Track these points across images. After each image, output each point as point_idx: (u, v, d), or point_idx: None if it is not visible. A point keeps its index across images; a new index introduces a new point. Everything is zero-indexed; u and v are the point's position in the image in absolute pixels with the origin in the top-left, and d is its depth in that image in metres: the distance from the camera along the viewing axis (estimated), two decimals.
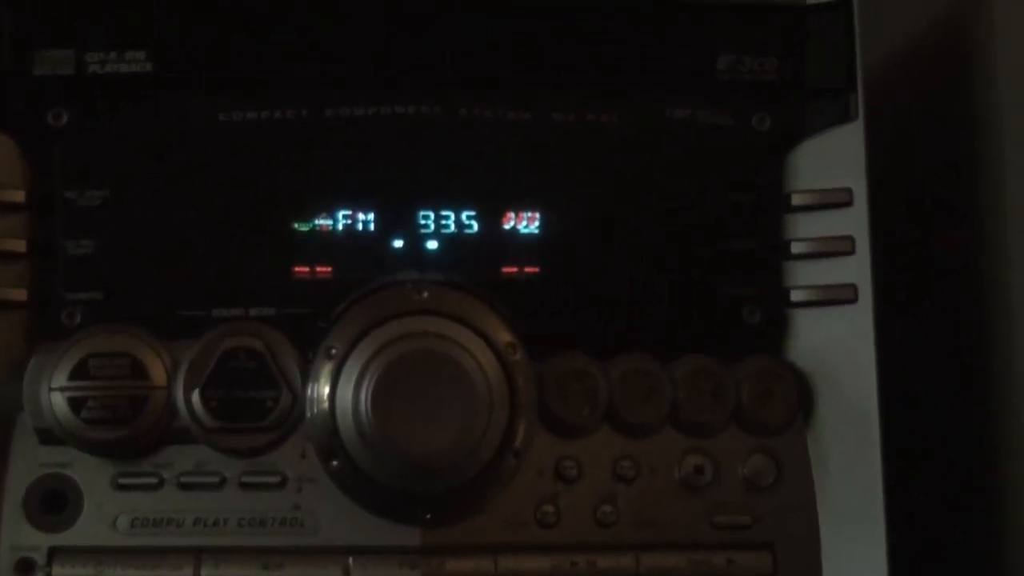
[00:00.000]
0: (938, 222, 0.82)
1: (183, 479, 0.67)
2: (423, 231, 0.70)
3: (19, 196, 0.68)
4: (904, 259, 0.83)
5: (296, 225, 0.69)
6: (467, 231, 0.70)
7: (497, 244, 0.70)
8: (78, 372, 0.65)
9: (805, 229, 0.71)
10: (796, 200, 0.71)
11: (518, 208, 0.70)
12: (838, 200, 0.70)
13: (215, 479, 0.67)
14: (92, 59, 0.69)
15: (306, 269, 0.69)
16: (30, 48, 0.69)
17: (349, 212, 0.69)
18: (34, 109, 0.69)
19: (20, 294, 0.67)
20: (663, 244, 0.71)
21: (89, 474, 0.67)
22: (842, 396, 0.69)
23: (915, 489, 0.75)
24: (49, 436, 0.66)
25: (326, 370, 0.66)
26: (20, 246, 0.68)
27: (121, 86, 0.69)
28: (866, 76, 0.70)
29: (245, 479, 0.67)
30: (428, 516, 0.66)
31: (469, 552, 0.67)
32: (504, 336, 0.67)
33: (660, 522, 0.68)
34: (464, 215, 0.70)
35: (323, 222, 0.69)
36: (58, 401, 0.65)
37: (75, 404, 0.65)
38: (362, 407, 0.64)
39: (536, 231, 0.70)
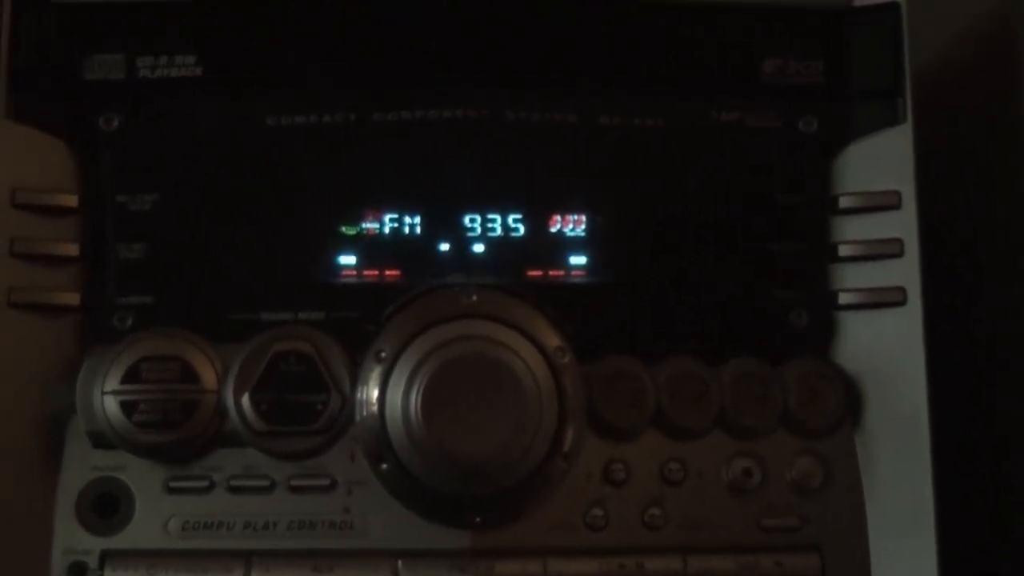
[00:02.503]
0: (988, 224, 0.82)
1: (233, 482, 0.67)
2: (470, 234, 0.70)
3: (71, 200, 0.68)
4: (955, 262, 0.82)
5: (343, 228, 0.69)
6: (513, 234, 0.70)
7: (543, 247, 0.70)
8: (130, 376, 0.66)
9: (853, 232, 0.71)
10: (844, 203, 0.71)
11: (564, 211, 0.70)
12: (886, 203, 0.70)
13: (265, 482, 0.67)
14: (142, 64, 0.69)
15: (353, 272, 0.69)
16: (81, 53, 0.69)
17: (396, 215, 0.70)
18: (85, 113, 0.69)
19: (72, 298, 0.68)
20: (710, 247, 0.71)
21: (141, 477, 0.67)
22: (891, 399, 0.69)
23: (966, 492, 0.75)
24: (101, 440, 0.66)
25: (375, 373, 0.66)
26: (72, 250, 0.68)
27: (171, 90, 0.69)
28: (915, 77, 0.70)
29: (295, 482, 0.67)
30: (477, 519, 0.66)
31: (518, 555, 0.67)
32: (553, 339, 0.67)
33: (708, 525, 0.68)
34: (511, 218, 0.70)
35: (370, 225, 0.70)
36: (110, 405, 0.65)
37: (127, 408, 0.65)
38: (411, 410, 0.64)
39: (582, 234, 0.70)
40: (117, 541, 0.67)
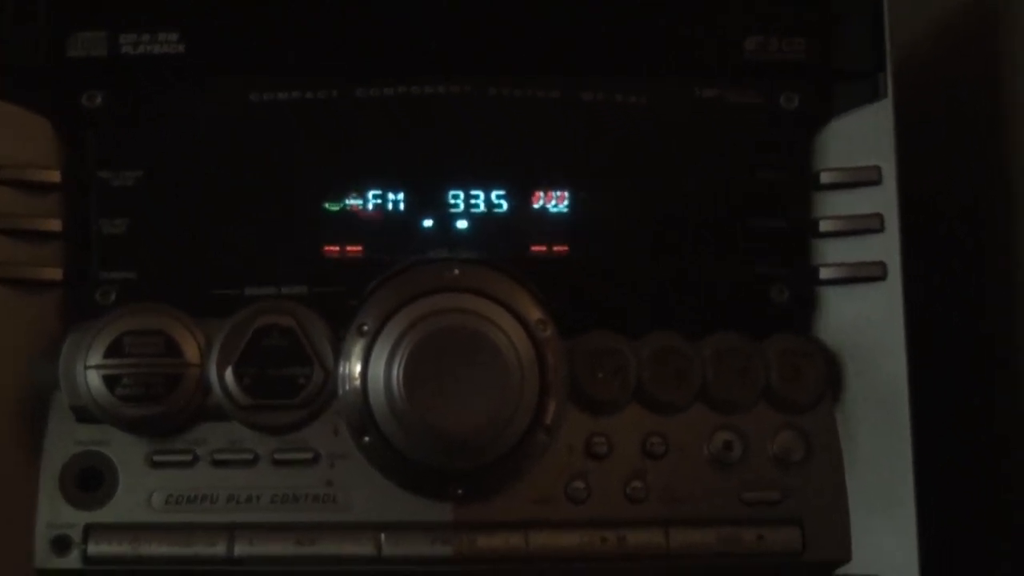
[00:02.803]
0: (968, 203, 0.82)
1: (217, 456, 0.67)
2: (453, 210, 0.70)
3: (54, 176, 0.69)
4: (935, 238, 0.82)
5: (327, 205, 0.70)
6: (496, 210, 0.70)
7: (526, 223, 0.70)
8: (113, 350, 0.66)
9: (834, 207, 0.71)
10: (825, 178, 0.71)
11: (547, 187, 0.71)
12: (867, 178, 0.70)
13: (248, 456, 0.67)
14: (125, 41, 0.69)
15: (337, 248, 0.70)
16: (64, 30, 0.69)
17: (379, 192, 0.70)
18: (68, 91, 0.69)
19: (55, 273, 0.68)
20: (691, 223, 0.71)
21: (124, 452, 0.67)
22: (872, 373, 0.69)
23: (945, 466, 0.75)
24: (85, 414, 0.67)
25: (358, 347, 0.66)
26: (55, 226, 0.68)
27: (153, 67, 0.70)
28: (896, 54, 0.70)
29: (278, 456, 0.67)
30: (460, 492, 0.67)
31: (500, 528, 0.67)
32: (535, 313, 0.67)
33: (690, 498, 0.69)
34: (494, 194, 0.70)
35: (354, 202, 0.70)
36: (93, 379, 0.66)
37: (110, 382, 0.65)
38: (394, 384, 0.65)
39: (565, 210, 0.71)
40: (101, 515, 0.67)
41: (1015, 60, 0.76)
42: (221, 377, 0.66)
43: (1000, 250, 0.78)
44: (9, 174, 0.68)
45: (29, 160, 0.68)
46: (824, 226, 0.71)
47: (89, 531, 0.67)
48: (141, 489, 0.67)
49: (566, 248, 0.70)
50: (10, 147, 0.68)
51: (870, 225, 0.70)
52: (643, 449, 0.69)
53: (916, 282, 0.70)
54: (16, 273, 0.67)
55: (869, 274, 0.70)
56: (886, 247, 0.70)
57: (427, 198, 0.70)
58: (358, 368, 0.66)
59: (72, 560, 0.66)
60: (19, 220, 0.68)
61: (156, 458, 0.67)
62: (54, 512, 0.67)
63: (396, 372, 0.64)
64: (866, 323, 0.70)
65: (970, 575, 0.80)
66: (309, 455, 0.67)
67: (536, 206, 0.70)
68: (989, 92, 0.78)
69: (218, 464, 0.67)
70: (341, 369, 0.67)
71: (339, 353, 0.67)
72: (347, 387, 0.66)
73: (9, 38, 0.69)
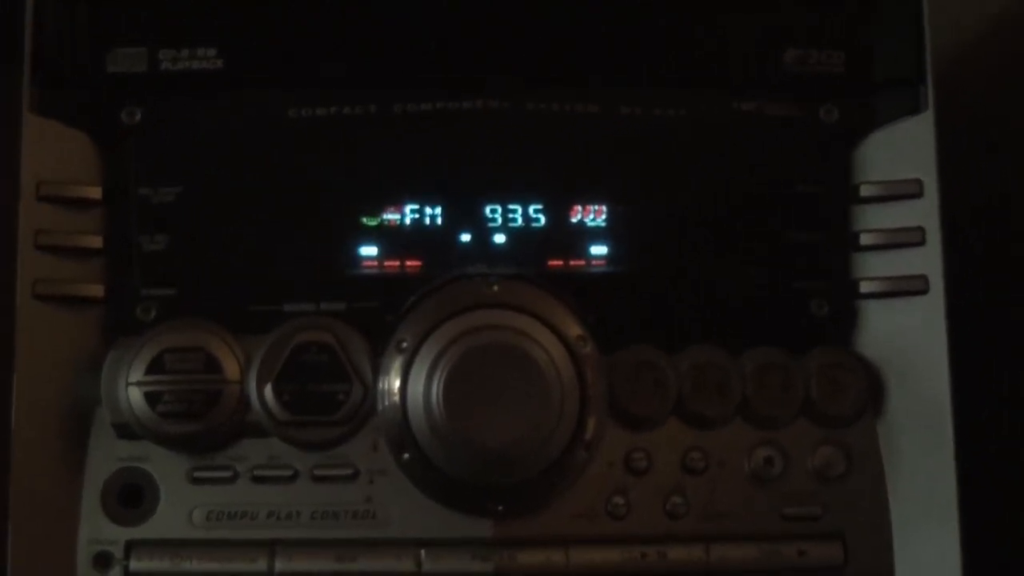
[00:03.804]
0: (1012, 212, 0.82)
1: (257, 472, 0.68)
2: (491, 225, 0.70)
3: (95, 193, 0.69)
4: (977, 252, 0.82)
5: (365, 220, 0.70)
6: (534, 225, 0.70)
7: (564, 237, 0.70)
8: (154, 367, 0.66)
9: (874, 220, 0.70)
10: (865, 191, 0.71)
11: (585, 202, 0.70)
12: (908, 191, 0.70)
13: (288, 472, 0.68)
14: (164, 56, 0.70)
15: (375, 263, 0.69)
16: (104, 46, 0.70)
17: (417, 207, 0.70)
18: (108, 106, 0.70)
19: (96, 290, 0.68)
20: (731, 237, 0.71)
21: (165, 468, 0.68)
22: (913, 387, 0.69)
23: (990, 480, 0.74)
24: (126, 430, 0.67)
25: (397, 363, 0.66)
26: (96, 242, 0.69)
27: (193, 83, 0.70)
28: (936, 66, 0.70)
29: (317, 472, 0.68)
30: (500, 508, 0.67)
31: (540, 544, 0.67)
32: (574, 329, 0.67)
33: (730, 514, 0.68)
34: (531, 209, 0.70)
35: (391, 217, 0.70)
36: (135, 395, 0.66)
37: (151, 398, 0.66)
38: (433, 400, 0.64)
39: (603, 224, 0.70)
40: (142, 531, 0.67)
41: None
42: (261, 393, 0.66)
43: None
44: (50, 191, 0.68)
45: (70, 177, 0.69)
46: (865, 239, 0.70)
47: (131, 547, 0.67)
48: (182, 505, 0.67)
49: (604, 263, 0.70)
50: (51, 164, 0.68)
51: (911, 239, 0.69)
52: (683, 464, 0.68)
53: (959, 294, 0.69)
54: (58, 290, 0.68)
55: (910, 288, 0.69)
56: (928, 260, 0.69)
57: (465, 213, 0.70)
58: (397, 384, 0.66)
59: None
60: (60, 237, 0.68)
61: (197, 474, 0.68)
62: (96, 528, 0.67)
63: (435, 389, 0.64)
64: (907, 337, 0.69)
65: None
66: (349, 471, 0.67)
67: (574, 220, 0.70)
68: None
69: (258, 480, 0.67)
70: (380, 385, 0.67)
71: (378, 369, 0.67)
72: (386, 403, 0.66)
73: (49, 54, 0.69)
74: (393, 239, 0.70)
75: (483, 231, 0.70)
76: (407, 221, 0.70)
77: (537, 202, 0.70)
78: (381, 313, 0.68)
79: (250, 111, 0.70)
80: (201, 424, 0.66)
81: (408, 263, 0.69)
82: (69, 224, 0.68)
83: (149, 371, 0.66)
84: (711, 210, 0.71)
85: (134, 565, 0.67)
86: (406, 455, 0.66)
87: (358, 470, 0.67)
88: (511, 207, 0.70)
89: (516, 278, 0.68)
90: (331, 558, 0.67)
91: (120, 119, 0.70)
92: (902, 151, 0.70)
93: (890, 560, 0.69)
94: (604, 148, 0.71)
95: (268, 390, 0.66)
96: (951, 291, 0.69)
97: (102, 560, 0.67)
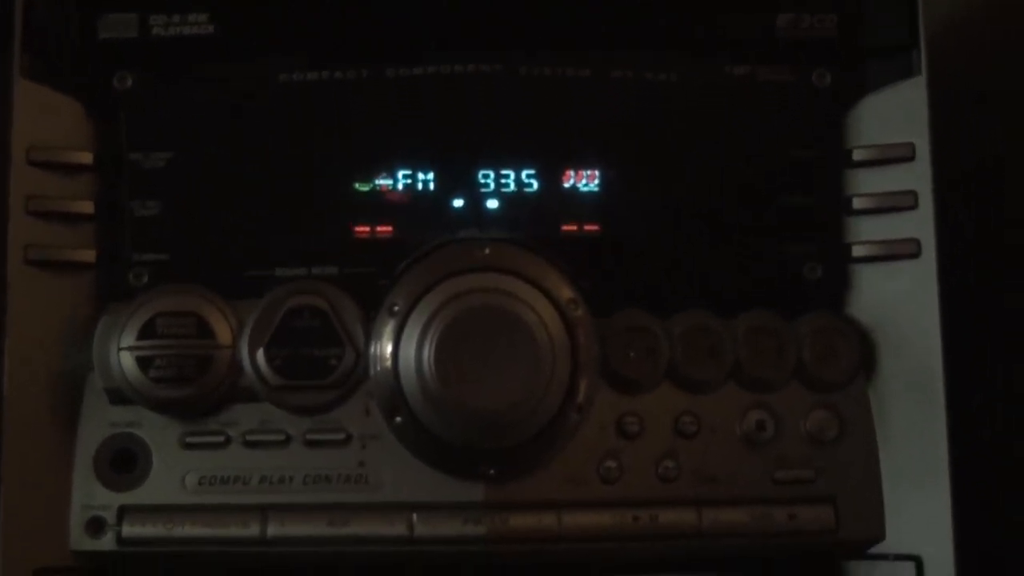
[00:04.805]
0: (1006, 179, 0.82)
1: (249, 437, 0.68)
2: (483, 190, 0.70)
3: (86, 158, 0.69)
4: (969, 218, 0.82)
5: (357, 185, 0.70)
6: (527, 189, 0.70)
7: (557, 202, 0.70)
8: (146, 332, 0.66)
9: (867, 184, 0.70)
10: (858, 155, 0.70)
11: (578, 166, 0.70)
12: (900, 155, 0.70)
13: (280, 437, 0.68)
14: (155, 22, 0.70)
15: (367, 228, 0.69)
16: (95, 12, 0.69)
17: (409, 172, 0.70)
18: (100, 72, 0.70)
19: (88, 255, 0.68)
20: (723, 201, 0.71)
21: (157, 433, 0.68)
22: (905, 351, 0.69)
23: (979, 443, 0.74)
24: (118, 396, 0.67)
25: (389, 327, 0.66)
26: (87, 208, 0.69)
27: (184, 48, 0.70)
28: (929, 29, 0.70)
29: (310, 436, 0.68)
30: (491, 472, 0.67)
31: (532, 507, 0.67)
32: (566, 292, 0.67)
33: (722, 477, 0.68)
34: (524, 174, 0.70)
35: (384, 182, 0.70)
36: (127, 360, 0.66)
37: (143, 363, 0.66)
38: (425, 364, 0.64)
39: (596, 189, 0.70)
40: (134, 496, 0.67)
41: None
42: (253, 358, 0.66)
43: None
44: (41, 156, 0.68)
45: (61, 142, 0.69)
46: (857, 203, 0.70)
47: (123, 512, 0.67)
48: (174, 470, 0.67)
49: (597, 227, 0.70)
50: (42, 129, 0.68)
51: (904, 202, 0.69)
52: (675, 428, 0.68)
53: (949, 258, 0.69)
54: (49, 255, 0.68)
55: (903, 251, 0.69)
56: (920, 224, 0.69)
57: (457, 178, 0.70)
58: (389, 348, 0.66)
59: (107, 542, 0.67)
60: (51, 202, 0.68)
61: (189, 439, 0.68)
62: (88, 494, 0.67)
63: (427, 352, 0.64)
64: (900, 300, 0.69)
65: (1005, 553, 0.79)
66: (341, 436, 0.67)
67: (567, 185, 0.70)
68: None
69: (250, 445, 0.67)
70: (372, 349, 0.67)
71: (370, 333, 0.67)
72: (378, 367, 0.66)
73: (40, 20, 0.69)
74: (385, 204, 0.70)
75: (476, 196, 0.70)
76: (399, 186, 0.70)
77: (530, 167, 0.70)
78: (373, 277, 0.68)
79: (241, 76, 0.70)
80: (193, 389, 0.66)
81: (400, 228, 0.69)
82: (60, 189, 0.68)
83: (141, 336, 0.66)
84: (703, 175, 0.71)
85: (127, 530, 0.67)
86: (398, 419, 0.66)
87: (350, 434, 0.67)
88: (504, 172, 0.70)
89: (508, 242, 0.68)
90: (323, 522, 0.67)
91: (112, 85, 0.70)
92: (895, 115, 0.70)
93: (881, 523, 0.69)
94: (596, 113, 0.71)
95: (260, 355, 0.66)
96: (943, 255, 0.68)
97: (95, 525, 0.67)
